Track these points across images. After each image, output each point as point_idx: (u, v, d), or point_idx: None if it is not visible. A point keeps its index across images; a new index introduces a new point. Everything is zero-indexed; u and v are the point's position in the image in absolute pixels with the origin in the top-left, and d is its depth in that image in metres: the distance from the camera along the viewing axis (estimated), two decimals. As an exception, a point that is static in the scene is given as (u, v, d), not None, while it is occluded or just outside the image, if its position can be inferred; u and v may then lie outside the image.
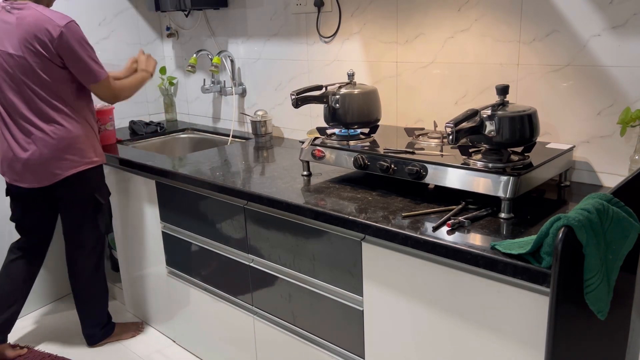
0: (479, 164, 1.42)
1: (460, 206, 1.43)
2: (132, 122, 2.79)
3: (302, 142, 1.79)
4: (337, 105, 1.76)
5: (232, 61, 2.63)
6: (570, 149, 1.58)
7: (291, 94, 1.75)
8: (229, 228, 1.87)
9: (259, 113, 2.41)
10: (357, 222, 1.41)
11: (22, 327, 2.56)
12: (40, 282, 2.77)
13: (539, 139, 1.62)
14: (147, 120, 2.89)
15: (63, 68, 1.98)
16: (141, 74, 2.27)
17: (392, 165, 1.56)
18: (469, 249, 1.20)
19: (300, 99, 1.76)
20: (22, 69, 1.94)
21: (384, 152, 1.60)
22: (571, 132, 1.63)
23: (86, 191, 2.14)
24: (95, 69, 2.00)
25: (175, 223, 2.11)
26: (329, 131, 1.86)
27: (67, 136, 2.03)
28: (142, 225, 2.32)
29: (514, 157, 1.46)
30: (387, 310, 1.44)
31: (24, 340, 2.45)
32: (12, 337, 2.48)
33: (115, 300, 2.74)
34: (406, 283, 1.38)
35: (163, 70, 3.01)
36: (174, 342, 2.38)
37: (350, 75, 1.84)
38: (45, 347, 2.38)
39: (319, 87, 1.82)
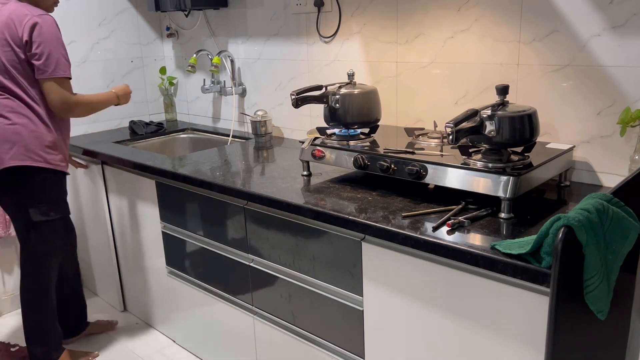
0: (479, 164, 1.42)
1: (460, 206, 1.43)
2: (132, 122, 2.79)
3: (302, 142, 1.79)
4: (337, 105, 1.76)
5: (232, 61, 2.63)
6: (570, 149, 1.58)
7: (291, 94, 1.75)
8: (229, 228, 1.87)
9: (259, 113, 2.41)
10: (357, 222, 1.41)
11: (21, 327, 2.56)
12: (40, 282, 2.77)
13: (539, 139, 1.62)
14: (147, 120, 2.89)
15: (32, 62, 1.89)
16: (108, 94, 2.12)
17: (392, 165, 1.56)
18: (469, 249, 1.20)
19: (300, 99, 1.76)
20: None
21: (384, 152, 1.60)
22: (571, 132, 1.63)
23: (21, 197, 1.98)
24: (59, 62, 1.89)
25: (175, 223, 2.11)
26: (329, 131, 1.86)
27: (29, 126, 1.92)
28: (142, 225, 2.31)
29: (514, 157, 1.46)
30: (387, 310, 1.44)
31: (23, 339, 2.45)
32: (12, 337, 2.48)
33: (115, 300, 2.74)
34: (406, 283, 1.38)
35: (163, 70, 3.01)
36: (174, 342, 2.38)
37: (350, 75, 1.84)
38: (45, 347, 2.38)
39: (319, 87, 1.82)
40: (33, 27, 1.86)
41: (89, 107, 2.04)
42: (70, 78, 1.95)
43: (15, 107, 1.92)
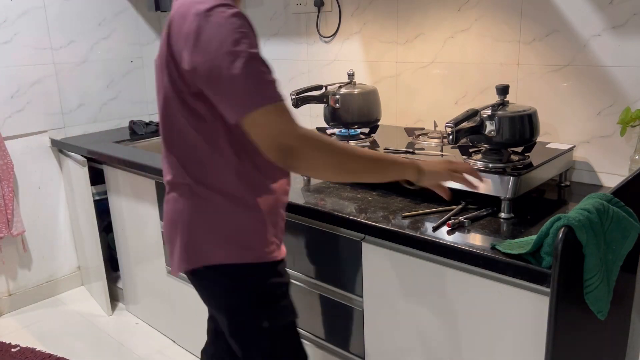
0: (479, 164, 1.42)
1: (460, 206, 1.43)
2: (132, 122, 2.79)
3: (302, 142, 1.79)
4: (337, 105, 1.76)
5: (232, 61, 2.62)
6: (571, 149, 1.57)
7: (291, 94, 1.75)
8: (229, 228, 1.86)
9: (259, 113, 2.41)
10: (357, 222, 1.41)
11: (21, 327, 2.56)
12: (40, 279, 2.77)
13: (539, 139, 1.61)
14: (147, 120, 2.89)
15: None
16: (393, 158, 1.18)
17: (392, 165, 1.56)
18: (469, 249, 1.20)
19: (300, 99, 1.76)
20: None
21: (384, 152, 1.60)
22: (571, 132, 1.63)
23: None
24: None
25: (175, 223, 2.11)
26: (329, 131, 1.86)
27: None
28: (142, 225, 2.31)
29: (514, 157, 1.46)
30: (387, 310, 1.44)
31: (23, 339, 2.45)
32: (12, 337, 2.48)
33: (115, 300, 2.74)
34: (406, 283, 1.37)
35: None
36: (174, 342, 2.38)
37: (350, 75, 1.84)
38: (45, 347, 2.38)
39: (319, 87, 1.82)
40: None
41: (339, 157, 1.12)
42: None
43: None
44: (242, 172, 1.17)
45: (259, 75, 1.03)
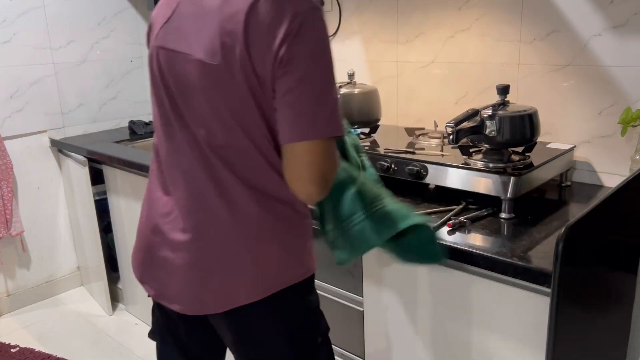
0: (480, 164, 1.42)
1: (460, 206, 1.43)
2: (131, 122, 2.79)
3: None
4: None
5: (232, 61, 2.62)
6: (571, 149, 1.57)
7: (291, 94, 1.74)
8: (228, 228, 1.86)
9: (259, 113, 2.41)
10: (358, 222, 1.40)
11: (21, 327, 2.56)
12: (39, 279, 2.77)
13: (539, 139, 1.61)
14: (147, 120, 2.89)
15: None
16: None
17: (393, 165, 1.56)
18: (469, 249, 1.19)
19: (300, 99, 1.75)
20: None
21: (384, 152, 1.60)
22: (572, 132, 1.63)
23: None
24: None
25: (175, 223, 2.10)
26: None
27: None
28: (141, 225, 2.31)
29: (515, 157, 1.46)
30: (387, 310, 1.44)
31: (23, 340, 2.45)
32: (12, 337, 2.48)
33: (115, 300, 2.73)
34: (406, 283, 1.37)
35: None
36: (174, 342, 2.38)
37: (351, 75, 1.83)
38: (45, 347, 2.38)
39: (319, 87, 1.81)
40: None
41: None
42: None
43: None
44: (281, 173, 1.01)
45: (337, 102, 0.94)
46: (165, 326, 1.20)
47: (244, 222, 1.00)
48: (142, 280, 1.14)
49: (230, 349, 1.13)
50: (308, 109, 0.90)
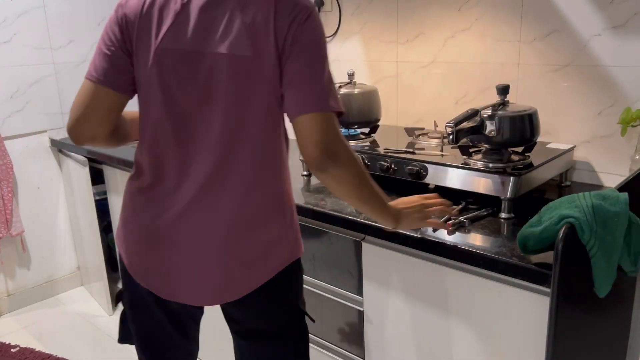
0: (479, 164, 1.42)
1: (460, 206, 1.43)
2: (131, 122, 2.79)
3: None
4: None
5: (232, 61, 2.62)
6: (571, 149, 1.57)
7: (291, 94, 1.74)
8: (228, 228, 1.86)
9: (259, 113, 2.41)
10: (357, 222, 1.40)
11: (21, 327, 2.56)
12: (39, 279, 2.77)
13: (539, 139, 1.61)
14: (147, 120, 2.89)
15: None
16: (384, 203, 1.17)
17: (392, 165, 1.56)
18: (469, 249, 1.20)
19: (300, 99, 1.75)
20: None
21: (384, 152, 1.60)
22: (572, 132, 1.63)
23: None
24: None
25: (175, 223, 2.10)
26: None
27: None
28: (141, 225, 2.31)
29: (515, 157, 1.46)
30: (387, 310, 1.44)
31: (23, 340, 2.45)
32: (12, 337, 2.48)
33: (115, 300, 2.73)
34: (406, 283, 1.37)
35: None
36: (174, 342, 2.38)
37: (351, 75, 1.83)
38: (45, 347, 2.38)
39: (319, 87, 1.81)
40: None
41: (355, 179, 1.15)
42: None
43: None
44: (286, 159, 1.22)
45: (334, 81, 1.14)
46: (159, 323, 1.32)
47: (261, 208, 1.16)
48: (149, 284, 1.20)
49: (241, 327, 1.35)
50: (313, 88, 1.09)
